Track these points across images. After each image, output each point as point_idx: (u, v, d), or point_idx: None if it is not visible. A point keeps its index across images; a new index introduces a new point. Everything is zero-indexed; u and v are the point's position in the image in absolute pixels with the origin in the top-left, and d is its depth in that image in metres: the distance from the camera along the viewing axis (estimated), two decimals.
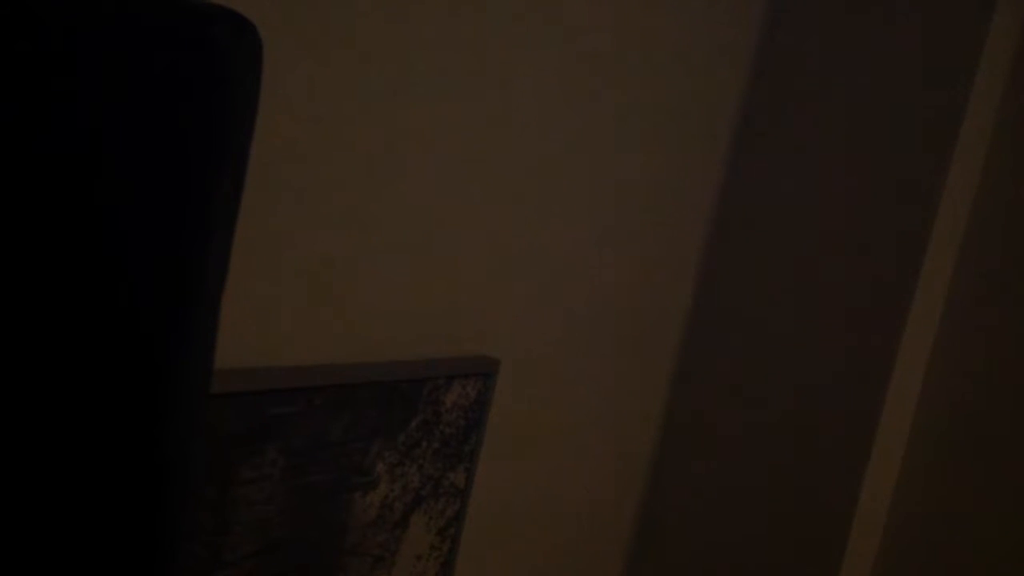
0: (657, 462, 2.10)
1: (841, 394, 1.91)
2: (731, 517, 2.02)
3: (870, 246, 1.89)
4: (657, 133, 1.77)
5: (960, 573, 1.94)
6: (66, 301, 0.48)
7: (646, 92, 1.70)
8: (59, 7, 0.47)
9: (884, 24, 1.91)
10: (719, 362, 2.05)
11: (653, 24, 1.67)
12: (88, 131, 0.47)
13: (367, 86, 1.14)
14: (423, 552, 1.42)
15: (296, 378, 1.12)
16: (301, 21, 1.03)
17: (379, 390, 1.24)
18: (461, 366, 1.40)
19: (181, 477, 0.54)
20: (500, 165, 1.41)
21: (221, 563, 1.07)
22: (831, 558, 1.90)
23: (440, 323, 1.37)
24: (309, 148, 1.09)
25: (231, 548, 1.08)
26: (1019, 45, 1.92)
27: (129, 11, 0.49)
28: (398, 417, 1.29)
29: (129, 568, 0.49)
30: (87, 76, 0.47)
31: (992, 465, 1.92)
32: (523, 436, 1.64)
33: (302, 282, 1.13)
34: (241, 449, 1.06)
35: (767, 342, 1.99)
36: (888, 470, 1.97)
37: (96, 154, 0.48)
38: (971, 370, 1.94)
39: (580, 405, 1.78)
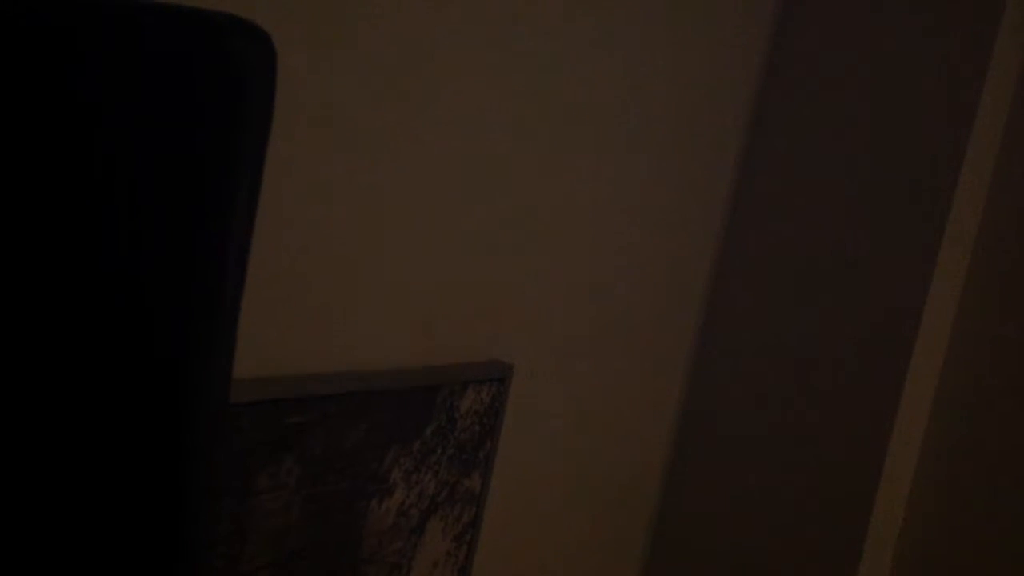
0: (671, 466, 2.10)
1: (855, 396, 1.90)
2: (746, 521, 2.01)
3: (883, 248, 1.89)
4: (668, 137, 1.76)
5: (974, 574, 1.93)
6: (83, 313, 0.48)
7: (656, 95, 1.70)
8: (68, 17, 0.47)
9: (893, 24, 1.90)
10: (732, 365, 2.04)
11: (663, 30, 1.66)
12: (101, 143, 0.47)
13: (381, 90, 1.14)
14: (439, 559, 1.41)
15: (312, 386, 1.12)
16: (311, 26, 1.03)
17: (394, 397, 1.24)
18: (475, 372, 1.40)
19: (201, 488, 0.54)
20: (512, 170, 1.40)
21: (238, 573, 1.07)
22: (847, 559, 1.89)
23: (454, 329, 1.37)
24: (321, 154, 1.09)
25: (248, 558, 1.08)
26: None
27: (143, 21, 0.49)
28: (413, 424, 1.29)
29: None
30: (98, 88, 0.47)
31: (1007, 468, 1.90)
32: (537, 441, 1.64)
33: (317, 290, 1.13)
34: (257, 458, 1.06)
35: (779, 345, 1.99)
36: (903, 470, 1.96)
37: (111, 166, 0.48)
38: (985, 372, 1.93)
39: (594, 409, 1.78)
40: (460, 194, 1.32)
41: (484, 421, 1.43)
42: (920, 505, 1.98)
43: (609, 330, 1.76)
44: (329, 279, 1.15)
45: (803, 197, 1.98)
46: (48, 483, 0.48)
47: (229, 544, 1.05)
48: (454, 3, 1.22)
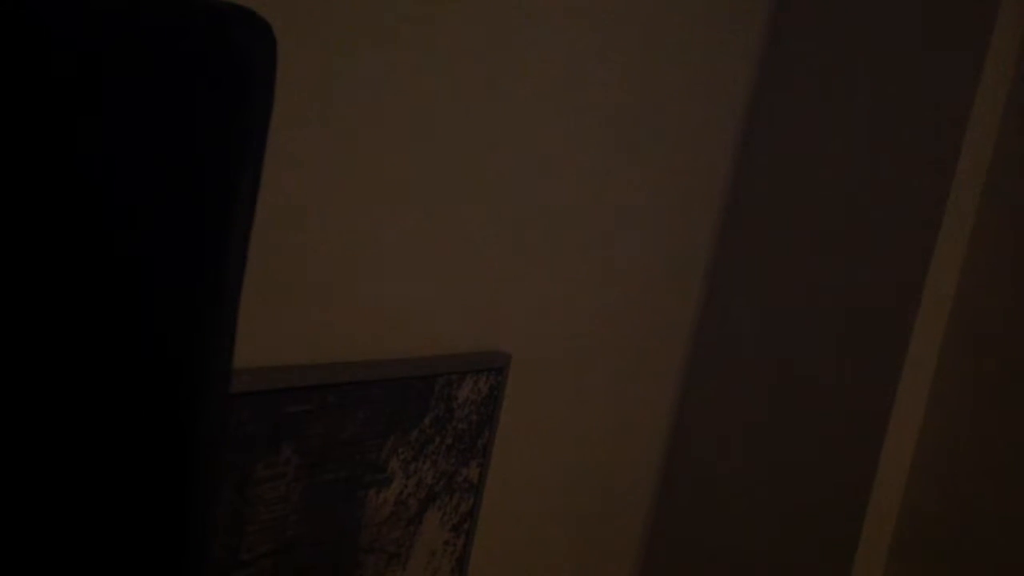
0: (669, 456, 2.10)
1: (852, 394, 1.90)
2: (744, 512, 2.01)
3: (879, 247, 1.89)
4: (666, 134, 1.76)
5: (970, 572, 1.93)
6: (86, 305, 0.48)
7: (654, 94, 1.70)
8: (69, 9, 0.46)
9: (889, 20, 1.90)
10: (729, 358, 2.04)
11: (660, 29, 1.66)
12: (104, 134, 0.47)
13: (378, 83, 1.14)
14: (437, 548, 1.42)
15: (310, 376, 1.12)
16: (310, 18, 1.03)
17: (392, 387, 1.24)
18: (473, 362, 1.40)
19: (204, 478, 0.54)
20: (512, 163, 1.40)
21: (238, 562, 1.07)
22: (843, 559, 1.90)
23: (452, 319, 1.37)
24: (320, 146, 1.09)
25: (247, 547, 1.08)
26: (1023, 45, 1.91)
27: (145, 11, 0.48)
28: (411, 413, 1.29)
29: (157, 570, 0.49)
30: (100, 79, 0.47)
31: (1002, 465, 1.91)
32: (535, 431, 1.64)
33: (315, 280, 1.13)
34: (256, 448, 1.06)
35: (777, 342, 1.99)
36: (898, 469, 1.96)
37: (114, 157, 0.48)
38: (979, 370, 1.94)
39: (591, 399, 1.78)
40: (460, 186, 1.31)
41: (482, 410, 1.43)
42: (915, 505, 1.99)
43: (607, 320, 1.76)
44: (328, 269, 1.14)
45: (800, 195, 1.98)
46: (54, 476, 0.48)
47: (228, 533, 1.05)
48: (455, 3, 1.21)
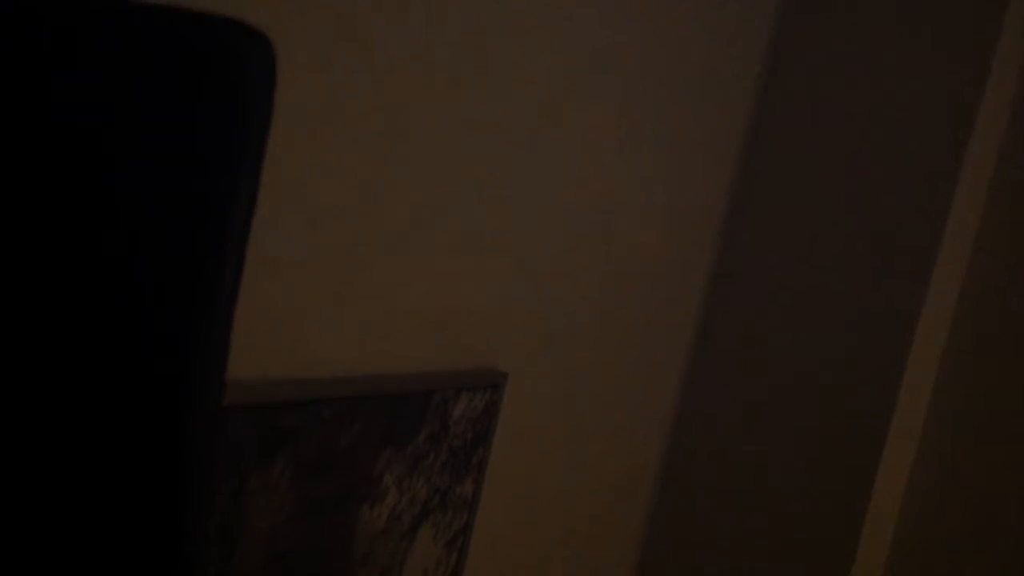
0: (665, 473, 2.10)
1: (852, 397, 1.90)
2: (741, 528, 2.01)
3: (881, 248, 1.89)
4: (665, 141, 1.77)
5: (970, 574, 1.93)
6: (80, 310, 0.49)
7: (654, 95, 1.70)
8: (67, 19, 0.47)
9: (894, 24, 1.90)
10: (727, 372, 2.04)
11: (663, 19, 1.67)
12: (103, 143, 0.48)
13: (376, 94, 1.14)
14: (430, 564, 1.42)
15: (305, 389, 1.12)
16: (307, 27, 1.04)
17: (387, 402, 1.24)
18: (469, 379, 1.40)
19: (196, 488, 0.54)
20: (509, 176, 1.41)
21: (229, 574, 1.07)
22: (842, 562, 1.89)
23: (448, 336, 1.38)
24: (316, 158, 1.09)
25: (240, 559, 1.08)
26: None
27: (143, 23, 0.49)
28: (406, 429, 1.29)
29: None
30: (97, 91, 0.47)
31: (1001, 468, 1.91)
32: (530, 448, 1.64)
33: (311, 294, 1.13)
34: (250, 460, 1.06)
35: (776, 349, 1.99)
36: (899, 470, 1.96)
37: (113, 165, 0.48)
38: (981, 374, 1.94)
39: (587, 417, 1.78)
40: (458, 202, 1.32)
41: (477, 427, 1.44)
42: (915, 506, 1.98)
43: (603, 338, 1.76)
44: (324, 282, 1.15)
45: (800, 199, 1.98)
46: (44, 482, 0.48)
47: (221, 545, 1.05)
48: (454, 3, 1.22)
